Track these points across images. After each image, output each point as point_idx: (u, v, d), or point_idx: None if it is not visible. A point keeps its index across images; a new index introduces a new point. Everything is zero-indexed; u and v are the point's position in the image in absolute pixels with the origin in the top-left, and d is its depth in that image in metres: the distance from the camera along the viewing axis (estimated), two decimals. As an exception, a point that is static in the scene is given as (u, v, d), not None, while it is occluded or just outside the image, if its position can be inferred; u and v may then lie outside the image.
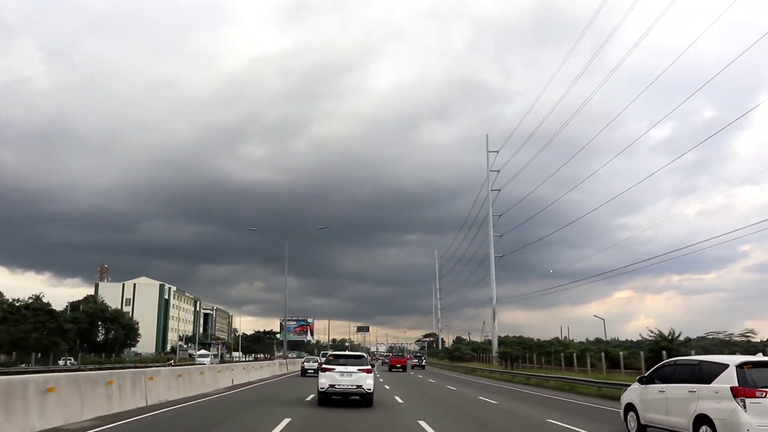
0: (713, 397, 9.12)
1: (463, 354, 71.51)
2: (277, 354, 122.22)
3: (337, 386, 15.90)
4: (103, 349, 72.08)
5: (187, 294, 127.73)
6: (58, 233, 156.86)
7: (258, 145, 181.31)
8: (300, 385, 23.87)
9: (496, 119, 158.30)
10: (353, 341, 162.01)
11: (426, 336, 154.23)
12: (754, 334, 35.03)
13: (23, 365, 50.15)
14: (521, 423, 14.35)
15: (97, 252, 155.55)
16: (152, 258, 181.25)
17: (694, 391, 9.58)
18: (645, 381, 11.34)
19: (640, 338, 37.42)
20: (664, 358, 18.61)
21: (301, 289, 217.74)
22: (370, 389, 15.95)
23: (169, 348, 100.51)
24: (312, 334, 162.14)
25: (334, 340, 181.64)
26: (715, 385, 9.16)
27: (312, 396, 17.63)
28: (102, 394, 11.92)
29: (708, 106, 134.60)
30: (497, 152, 53.06)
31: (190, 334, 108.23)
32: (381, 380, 31.62)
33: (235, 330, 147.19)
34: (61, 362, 52.78)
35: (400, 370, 51.62)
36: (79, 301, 78.84)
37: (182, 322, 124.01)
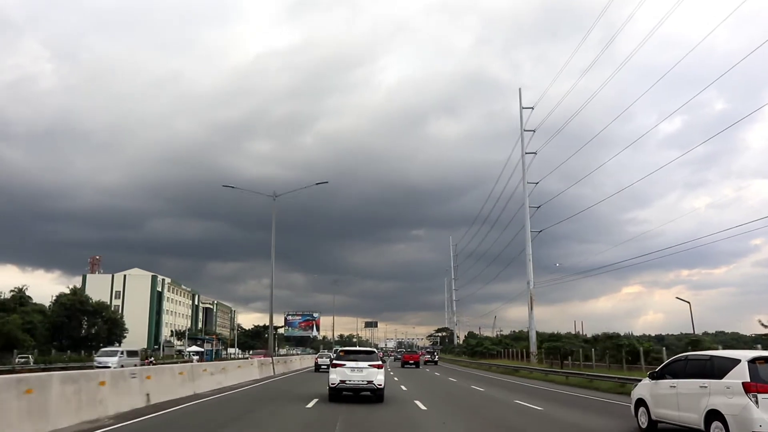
0: (725, 393, 9.15)
1: (487, 349, 61.76)
2: (281, 350, 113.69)
3: (347, 382, 16.04)
4: (83, 346, 63.51)
5: (183, 287, 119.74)
6: (67, 231, 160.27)
7: (265, 141, 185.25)
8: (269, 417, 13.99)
9: (503, 113, 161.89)
10: (361, 337, 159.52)
11: (438, 331, 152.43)
12: None
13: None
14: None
15: (105, 250, 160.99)
16: (160, 255, 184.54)
17: (706, 387, 9.62)
18: (656, 376, 11.38)
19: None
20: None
21: (307, 285, 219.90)
22: (381, 385, 16.04)
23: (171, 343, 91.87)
24: (318, 330, 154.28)
25: (341, 336, 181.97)
26: (726, 380, 9.20)
27: None
28: None
29: (719, 99, 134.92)
30: (532, 108, 43.79)
31: (188, 329, 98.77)
32: (396, 379, 30.43)
33: (239, 326, 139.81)
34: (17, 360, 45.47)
35: (413, 366, 52.75)
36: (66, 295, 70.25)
37: (178, 316, 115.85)
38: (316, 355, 42.73)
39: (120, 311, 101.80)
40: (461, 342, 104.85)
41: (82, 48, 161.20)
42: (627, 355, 29.88)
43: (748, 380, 8.80)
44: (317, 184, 35.34)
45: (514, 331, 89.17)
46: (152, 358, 52.67)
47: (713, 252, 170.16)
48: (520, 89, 47.60)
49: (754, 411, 8.59)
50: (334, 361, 16.86)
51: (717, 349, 22.04)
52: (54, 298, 71.04)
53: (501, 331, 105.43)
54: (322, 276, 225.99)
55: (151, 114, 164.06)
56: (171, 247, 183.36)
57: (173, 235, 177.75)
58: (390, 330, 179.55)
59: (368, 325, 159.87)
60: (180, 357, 61.67)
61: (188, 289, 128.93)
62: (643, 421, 11.62)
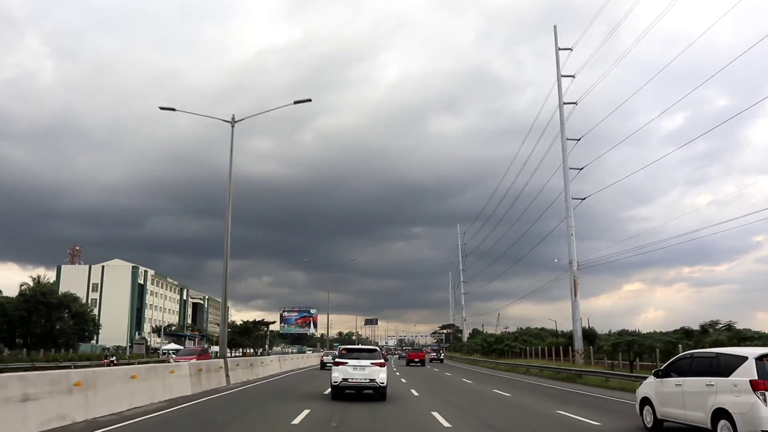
0: (732, 391, 9.06)
1: (509, 346, 52.87)
2: (275, 348, 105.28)
3: (350, 380, 16.35)
4: (48, 343, 55.36)
5: (169, 280, 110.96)
6: (68, 229, 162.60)
7: (264, 138, 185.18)
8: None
9: (504, 110, 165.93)
10: (360, 335, 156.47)
11: (443, 327, 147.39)
12: None
13: None
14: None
15: (105, 248, 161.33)
16: (160, 253, 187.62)
17: (712, 385, 9.51)
18: (661, 374, 11.35)
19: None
20: None
21: (307, 283, 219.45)
22: (383, 383, 16.37)
23: (147, 340, 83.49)
24: (315, 327, 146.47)
25: (340, 334, 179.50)
26: (733, 378, 9.12)
27: None
28: None
29: (721, 95, 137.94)
30: (571, 50, 42.06)
31: (175, 325, 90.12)
32: (403, 381, 27.11)
33: (233, 322, 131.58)
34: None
35: (419, 364, 52.61)
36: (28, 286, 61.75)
37: (164, 311, 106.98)
38: (322, 354, 44.82)
39: (97, 305, 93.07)
40: (468, 339, 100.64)
41: (83, 45, 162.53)
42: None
43: (756, 378, 8.69)
44: (296, 103, 26.55)
45: (521, 328, 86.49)
46: (113, 358, 45.93)
47: (715, 249, 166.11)
48: (555, 26, 43.15)
49: (762, 409, 8.49)
50: (337, 360, 17.20)
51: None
52: (21, 289, 62.41)
53: (507, 327, 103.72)
54: (322, 274, 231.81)
55: (151, 111, 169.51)
56: (171, 245, 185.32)
57: (174, 232, 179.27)
58: (390, 328, 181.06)
59: (368, 322, 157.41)
60: (155, 356, 53.10)
61: (175, 282, 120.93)
62: (649, 420, 11.49)
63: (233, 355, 76.04)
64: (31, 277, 75.24)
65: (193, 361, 22.16)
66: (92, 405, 11.21)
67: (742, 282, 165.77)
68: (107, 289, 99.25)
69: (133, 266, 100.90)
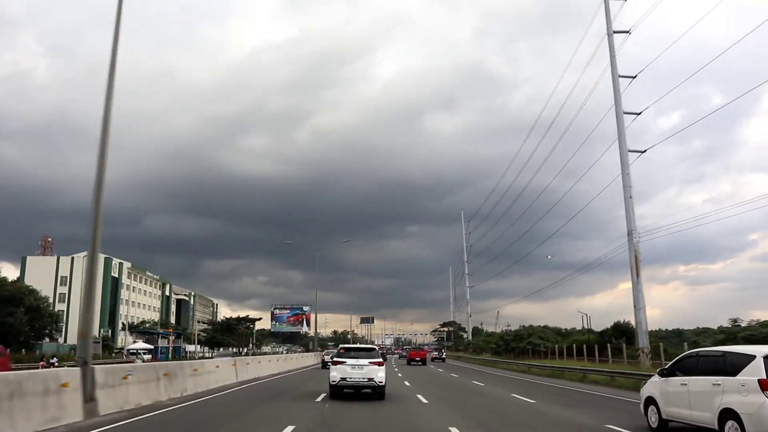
0: (739, 390, 8.87)
1: (533, 345, 44.08)
2: (265, 347, 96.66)
3: (348, 379, 16.64)
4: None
5: (149, 274, 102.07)
6: (63, 228, 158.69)
7: (260, 136, 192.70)
8: None
9: (503, 108, 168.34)
10: (356, 333, 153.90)
11: (444, 325, 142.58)
12: None
13: None
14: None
15: (103, 247, 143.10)
16: (156, 253, 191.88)
17: (719, 384, 9.33)
18: (665, 373, 11.23)
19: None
20: None
21: (303, 282, 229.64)
22: (381, 382, 16.66)
23: (120, 339, 75.04)
24: (309, 325, 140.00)
25: (335, 333, 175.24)
26: (741, 377, 8.93)
27: None
28: None
29: (717, 94, 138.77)
30: (629, 33, 35.36)
31: (149, 322, 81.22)
32: (407, 384, 24.90)
33: (209, 319, 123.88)
34: None
35: (420, 363, 52.13)
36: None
37: (144, 308, 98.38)
38: (323, 353, 45.35)
39: (66, 300, 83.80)
40: (503, 337, 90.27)
41: (78, 43, 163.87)
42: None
43: (765, 377, 8.50)
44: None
45: (523, 325, 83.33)
46: (54, 360, 41.19)
47: (710, 247, 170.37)
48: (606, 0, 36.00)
49: None
50: (335, 359, 17.48)
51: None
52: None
53: (509, 325, 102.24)
54: (317, 274, 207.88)
55: (147, 109, 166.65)
56: (167, 245, 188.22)
57: (169, 232, 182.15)
58: (387, 327, 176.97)
59: (364, 320, 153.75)
60: (118, 356, 44.20)
61: (155, 276, 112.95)
62: (654, 420, 11.35)
63: (212, 355, 67.25)
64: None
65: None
66: None
67: (738, 280, 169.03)
68: (78, 282, 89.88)
69: (105, 257, 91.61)
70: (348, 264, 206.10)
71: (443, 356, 65.90)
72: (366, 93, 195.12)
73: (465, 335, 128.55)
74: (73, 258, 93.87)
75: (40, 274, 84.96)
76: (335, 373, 16.68)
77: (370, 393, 16.86)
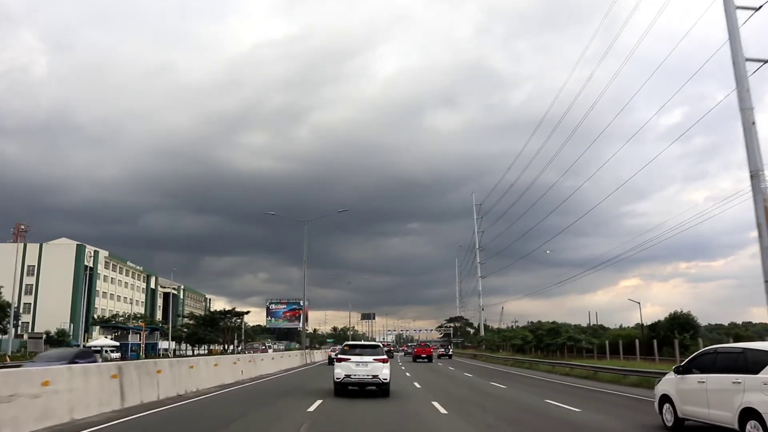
0: (762, 389, 8.52)
1: (574, 340, 43.86)
2: (256, 344, 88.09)
3: (353, 376, 16.64)
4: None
5: (130, 264, 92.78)
6: (62, 226, 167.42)
7: (259, 133, 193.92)
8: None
9: (503, 105, 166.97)
10: (357, 330, 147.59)
11: (450, 321, 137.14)
12: None
13: None
14: None
15: (101, 245, 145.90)
16: (156, 250, 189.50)
17: (739, 382, 8.99)
18: (681, 371, 10.95)
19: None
20: None
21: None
22: (386, 379, 16.78)
23: (96, 333, 66.24)
24: (306, 321, 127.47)
25: (335, 329, 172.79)
26: (763, 375, 8.61)
27: None
28: None
29: (720, 91, 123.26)
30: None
31: (123, 316, 72.18)
32: (418, 386, 21.76)
33: (190, 313, 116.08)
34: None
35: (426, 360, 52.18)
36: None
37: (124, 301, 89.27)
38: (329, 349, 45.87)
39: (33, 291, 74.66)
40: (483, 332, 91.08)
41: (77, 40, 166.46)
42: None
43: None
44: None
45: (531, 322, 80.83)
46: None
47: (711, 244, 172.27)
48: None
49: None
50: (339, 356, 17.69)
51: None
52: None
53: (516, 321, 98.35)
54: (318, 270, 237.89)
55: (146, 106, 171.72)
56: (167, 242, 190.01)
57: (169, 229, 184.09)
58: (389, 324, 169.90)
59: (365, 317, 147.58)
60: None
61: (138, 268, 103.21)
62: (669, 419, 11.11)
63: (195, 353, 58.24)
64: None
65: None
66: None
67: (739, 277, 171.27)
68: (46, 272, 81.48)
69: (78, 244, 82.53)
70: (348, 261, 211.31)
71: (450, 353, 67.77)
72: (366, 89, 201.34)
73: (473, 331, 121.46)
74: (41, 245, 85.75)
75: (6, 265, 76.09)
76: (339, 370, 16.85)
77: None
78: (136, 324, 75.65)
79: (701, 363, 10.43)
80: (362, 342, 22.93)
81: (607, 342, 41.92)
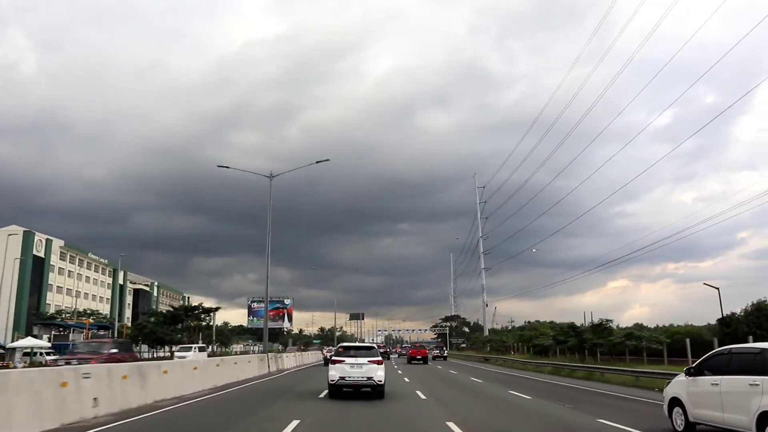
0: None
1: (610, 343, 35.91)
2: (235, 346, 79.08)
3: (347, 378, 16.77)
4: None
5: (92, 256, 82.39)
6: (52, 226, 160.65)
7: (250, 132, 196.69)
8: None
9: (497, 104, 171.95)
10: (345, 331, 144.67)
11: (446, 320, 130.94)
12: None
13: None
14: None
15: (91, 245, 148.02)
16: (145, 250, 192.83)
17: (757, 385, 8.49)
18: (693, 373, 10.45)
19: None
20: None
21: (292, 280, 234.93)
22: (381, 381, 16.98)
23: (35, 331, 56.32)
24: (291, 321, 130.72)
25: (322, 330, 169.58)
26: None
27: None
28: None
29: (709, 93, 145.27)
30: None
31: (85, 315, 62.61)
32: (423, 397, 18.47)
33: (151, 309, 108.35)
34: None
35: (421, 361, 51.53)
36: None
37: (86, 298, 79.49)
38: (325, 350, 45.73)
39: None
40: (487, 331, 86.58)
41: (67, 39, 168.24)
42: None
43: None
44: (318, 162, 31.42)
45: (528, 321, 79.05)
46: None
47: (700, 245, 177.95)
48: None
49: None
50: (333, 358, 17.71)
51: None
52: None
53: (512, 322, 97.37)
54: (306, 271, 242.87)
55: (137, 106, 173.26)
56: (156, 243, 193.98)
57: (158, 230, 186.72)
58: (379, 324, 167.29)
59: (354, 317, 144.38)
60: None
61: (103, 261, 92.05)
62: (679, 423, 10.63)
63: (154, 356, 48.56)
64: None
65: None
66: None
67: (727, 278, 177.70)
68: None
69: (25, 231, 72.36)
70: (337, 261, 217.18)
71: (445, 354, 68.22)
72: (358, 89, 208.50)
73: (469, 330, 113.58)
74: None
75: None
76: (334, 372, 17.14)
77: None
78: (78, 321, 66.13)
79: (714, 364, 9.96)
80: (357, 344, 22.80)
81: (687, 341, 28.59)
